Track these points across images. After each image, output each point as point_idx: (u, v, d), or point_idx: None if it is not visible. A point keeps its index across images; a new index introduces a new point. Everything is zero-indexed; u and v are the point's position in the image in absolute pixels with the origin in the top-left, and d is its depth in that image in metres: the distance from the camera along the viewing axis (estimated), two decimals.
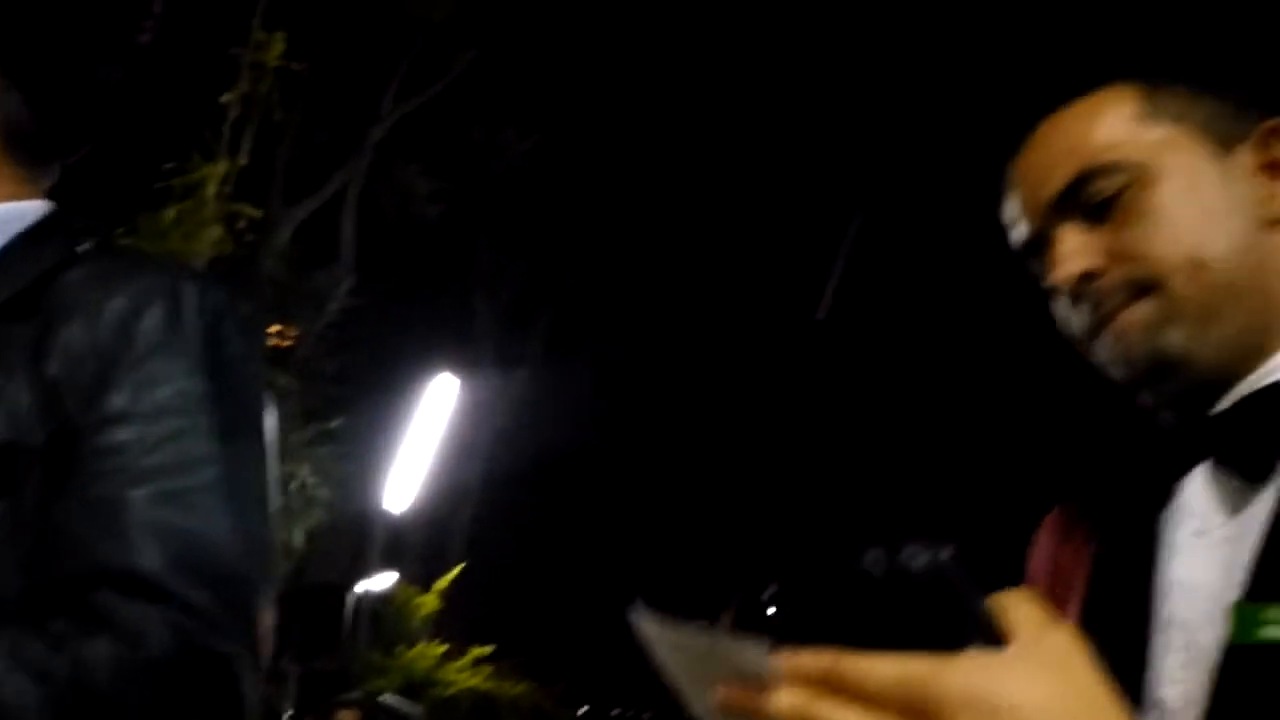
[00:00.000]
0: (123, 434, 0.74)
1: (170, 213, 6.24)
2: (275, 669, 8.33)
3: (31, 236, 0.83)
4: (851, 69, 14.38)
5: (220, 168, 6.30)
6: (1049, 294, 0.74)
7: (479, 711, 10.46)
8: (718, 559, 22.82)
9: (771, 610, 0.46)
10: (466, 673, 10.18)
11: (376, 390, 10.72)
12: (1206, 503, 0.65)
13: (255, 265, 7.66)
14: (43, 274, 0.79)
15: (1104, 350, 0.70)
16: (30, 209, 0.85)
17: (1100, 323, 0.70)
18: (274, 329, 8.78)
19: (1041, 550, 0.81)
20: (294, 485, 6.68)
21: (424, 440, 10.27)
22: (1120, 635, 0.64)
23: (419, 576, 12.01)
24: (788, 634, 0.45)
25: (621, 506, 21.35)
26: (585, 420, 16.73)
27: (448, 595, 11.15)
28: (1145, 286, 0.68)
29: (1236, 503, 0.64)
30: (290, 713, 6.15)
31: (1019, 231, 0.75)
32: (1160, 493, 0.69)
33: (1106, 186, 0.70)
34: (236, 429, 0.80)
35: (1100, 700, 0.45)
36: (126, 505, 0.73)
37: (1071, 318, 0.72)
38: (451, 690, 9.69)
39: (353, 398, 8.46)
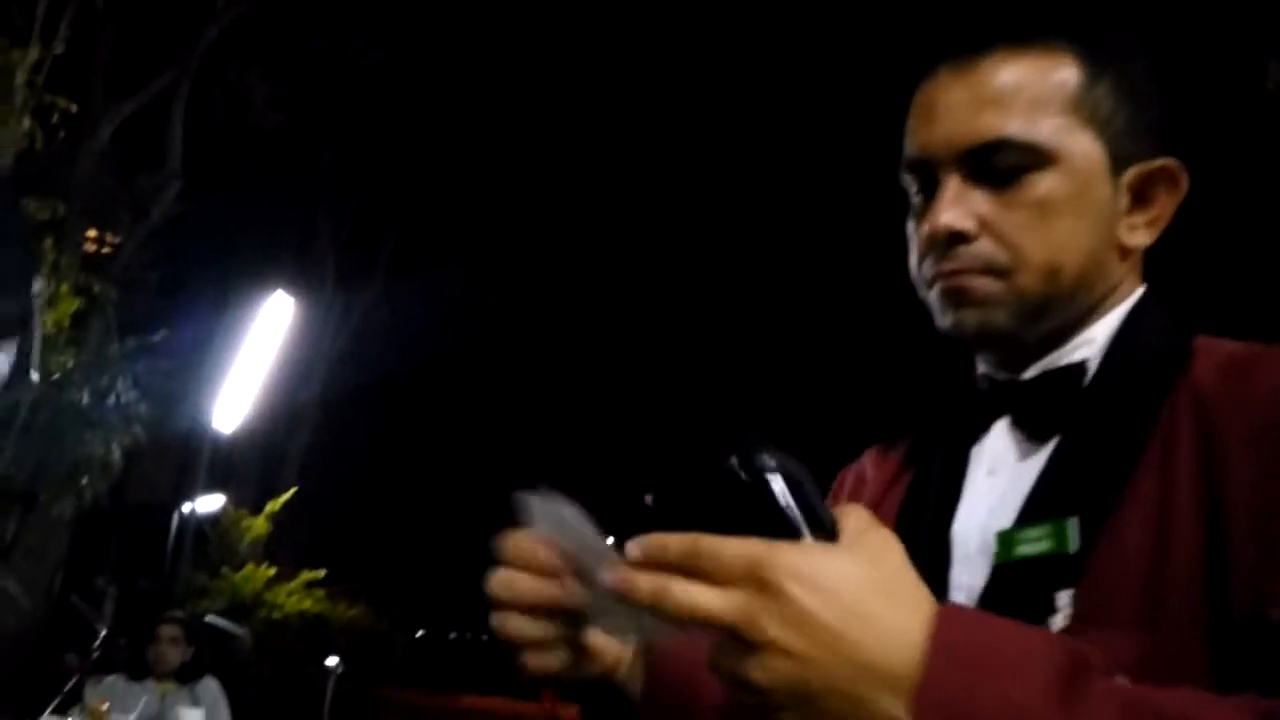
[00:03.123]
0: None
1: None
2: (91, 588, 7.99)
3: None
4: None
5: (32, 54, 5.80)
6: (912, 218, 0.80)
7: (310, 634, 10.33)
8: (560, 482, 23.06)
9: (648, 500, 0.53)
10: (297, 595, 10.01)
11: (205, 305, 10.24)
12: (1001, 450, 0.77)
13: (71, 164, 7.12)
14: None
15: (938, 301, 0.77)
16: None
17: (945, 277, 0.76)
18: (92, 234, 8.22)
19: (860, 478, 0.92)
20: (110, 399, 6.34)
21: (256, 360, 9.90)
22: (920, 552, 0.75)
23: (249, 500, 11.67)
24: (657, 524, 0.52)
25: (459, 432, 21.23)
26: (424, 347, 16.48)
27: (279, 519, 10.88)
28: (1000, 271, 0.74)
29: (1023, 453, 0.75)
30: (105, 631, 5.92)
31: (912, 151, 0.78)
32: (968, 436, 0.80)
33: (1015, 162, 0.73)
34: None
35: (908, 583, 0.52)
36: None
37: (922, 258, 0.79)
38: (281, 613, 9.52)
39: (178, 311, 8.05)
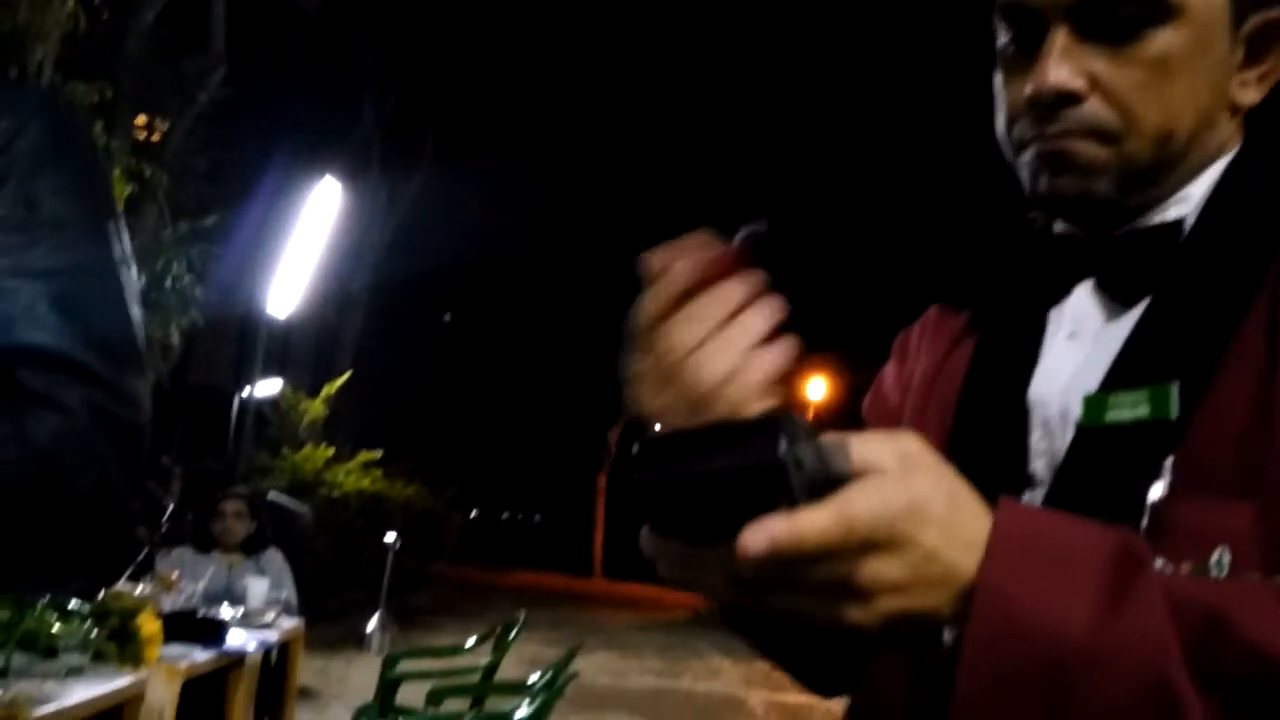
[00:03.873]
0: (12, 240, 0.79)
1: None
2: (158, 466, 8.31)
3: None
4: None
5: None
6: (1002, 70, 0.74)
7: (368, 512, 10.69)
8: (596, 376, 23.31)
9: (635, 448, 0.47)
10: (355, 475, 10.33)
11: (253, 191, 10.29)
12: (1084, 313, 0.72)
13: (116, 47, 7.08)
14: None
15: (1033, 166, 0.72)
16: None
17: (1045, 141, 0.70)
18: (141, 120, 8.23)
19: (916, 342, 0.87)
20: (166, 283, 6.44)
21: (307, 246, 9.98)
22: (996, 417, 0.73)
23: (306, 384, 11.97)
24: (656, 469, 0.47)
25: (510, 315, 21.40)
26: (472, 230, 16.49)
27: (335, 402, 11.16)
28: (1108, 135, 0.69)
29: (1109, 316, 0.71)
30: (172, 506, 6.18)
31: None
32: (1044, 298, 0.75)
33: (1135, 13, 0.67)
34: (110, 231, 0.86)
35: (960, 487, 0.51)
36: (31, 294, 0.77)
37: (1015, 117, 0.72)
38: (339, 491, 9.85)
39: (227, 196, 8.08)
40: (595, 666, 8.65)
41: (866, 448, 0.48)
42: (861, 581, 0.47)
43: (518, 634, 4.66)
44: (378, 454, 10.78)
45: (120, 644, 2.73)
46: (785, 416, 0.45)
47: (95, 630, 2.66)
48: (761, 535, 0.44)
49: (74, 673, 2.50)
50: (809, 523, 0.45)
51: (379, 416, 14.66)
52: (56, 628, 2.56)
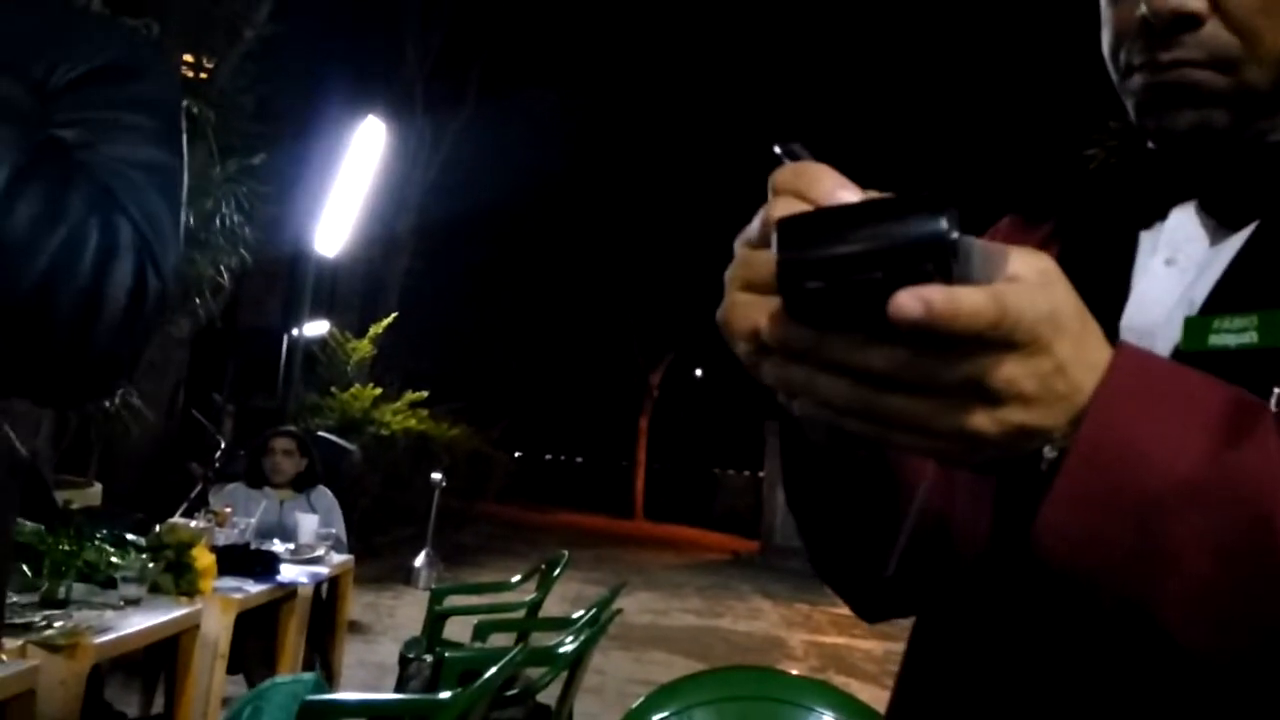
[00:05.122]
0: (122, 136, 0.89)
1: None
2: (211, 404, 8.46)
3: None
4: None
5: None
6: None
7: (415, 451, 10.83)
8: (638, 320, 23.28)
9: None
10: (402, 415, 10.44)
11: (299, 130, 10.27)
12: (1184, 237, 0.67)
13: None
14: None
15: (1143, 94, 0.67)
16: None
17: (1159, 69, 0.65)
18: (188, 58, 8.21)
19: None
20: (215, 222, 6.47)
21: (353, 186, 9.99)
22: None
23: (353, 325, 12.07)
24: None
25: (553, 256, 21.36)
26: (515, 170, 16.39)
27: (382, 343, 11.26)
28: (1228, 62, 0.63)
29: (1212, 241, 0.66)
30: (224, 444, 6.29)
31: None
32: (1136, 219, 0.70)
33: None
34: (175, 146, 0.95)
35: (1088, 312, 0.50)
36: (135, 178, 0.88)
37: (1124, 38, 0.67)
38: (387, 430, 9.97)
39: (273, 136, 8.07)
40: (637, 605, 8.75)
41: (1011, 254, 0.47)
42: (996, 382, 0.45)
43: (561, 572, 4.70)
44: (424, 394, 10.88)
45: (176, 576, 2.78)
46: (950, 199, 0.43)
47: (152, 562, 2.71)
48: (916, 298, 0.42)
49: (131, 603, 2.55)
50: (965, 297, 0.43)
51: (425, 357, 14.79)
52: (114, 559, 2.61)
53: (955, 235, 0.42)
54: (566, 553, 4.92)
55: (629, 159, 20.09)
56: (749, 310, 0.48)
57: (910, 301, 0.42)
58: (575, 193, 19.80)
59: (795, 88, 18.47)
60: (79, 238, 0.78)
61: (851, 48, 18.22)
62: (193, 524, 3.48)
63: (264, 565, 3.52)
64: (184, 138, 0.95)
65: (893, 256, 0.42)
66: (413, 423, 10.63)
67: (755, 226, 0.50)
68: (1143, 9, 0.64)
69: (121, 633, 2.30)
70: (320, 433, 7.56)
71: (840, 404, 0.47)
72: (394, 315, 11.65)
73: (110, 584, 2.59)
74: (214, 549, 3.17)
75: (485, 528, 15.22)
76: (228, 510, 3.99)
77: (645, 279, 21.99)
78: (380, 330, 11.07)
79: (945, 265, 0.42)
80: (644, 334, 23.58)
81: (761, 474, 17.71)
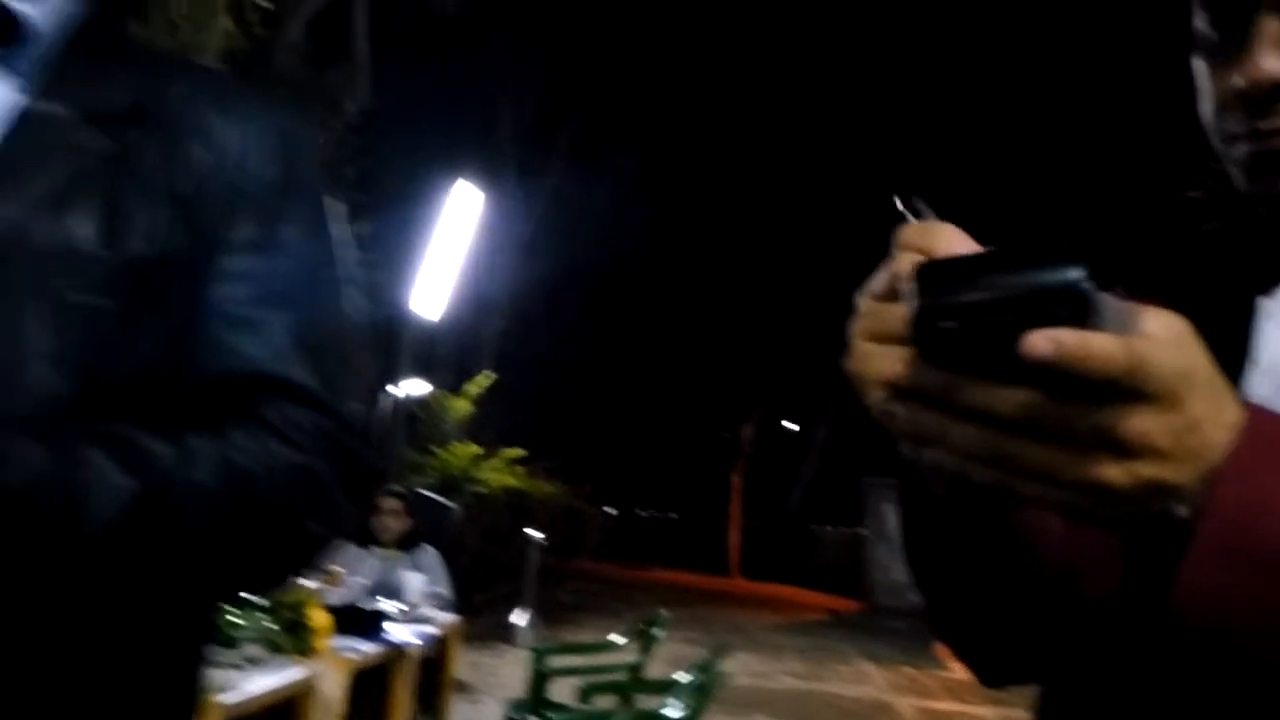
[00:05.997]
0: (257, 263, 0.78)
1: (180, 3, 5.98)
2: None
3: (91, 36, 0.80)
4: None
5: None
6: (1204, 54, 0.67)
7: (513, 508, 10.90)
8: (739, 368, 23.19)
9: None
10: (500, 472, 10.53)
11: (397, 197, 10.61)
12: None
13: (267, 61, 7.41)
14: (150, 82, 0.79)
15: (1245, 163, 0.66)
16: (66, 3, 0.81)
17: (1260, 139, 0.64)
18: None
19: None
20: None
21: (449, 249, 10.24)
22: None
23: (449, 384, 12.30)
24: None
25: (646, 315, 21.51)
26: (607, 231, 16.60)
27: (478, 401, 11.42)
28: None
29: None
30: None
31: None
32: (1254, 284, 0.68)
33: None
34: (343, 257, 0.86)
35: (1219, 374, 0.49)
36: (274, 324, 0.77)
37: (1224, 107, 0.66)
38: (486, 488, 10.06)
39: (373, 204, 8.35)
40: (737, 667, 8.54)
41: (1145, 312, 0.47)
42: (1128, 434, 0.45)
43: (662, 633, 4.62)
44: (521, 452, 10.97)
45: (293, 635, 2.80)
46: (1085, 251, 0.44)
47: (270, 622, 2.73)
48: (1048, 337, 0.43)
49: (252, 662, 2.57)
50: (1098, 341, 0.44)
51: (519, 414, 14.95)
52: (236, 619, 2.65)
53: (1090, 285, 0.44)
54: (667, 613, 4.84)
55: (718, 216, 20.21)
56: (879, 359, 0.50)
57: (1042, 341, 0.43)
58: (664, 249, 19.95)
59: (881, 145, 18.36)
60: (296, 480, 0.74)
61: (936, 106, 18.08)
62: (307, 584, 3.52)
63: (374, 625, 3.53)
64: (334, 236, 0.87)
65: (1028, 302, 0.44)
66: (510, 480, 10.71)
67: (880, 281, 0.52)
68: (1240, 80, 0.63)
69: (246, 692, 2.32)
70: (422, 491, 7.66)
71: (970, 450, 0.47)
72: (491, 374, 11.83)
73: (232, 643, 2.62)
74: (328, 608, 3.19)
75: (582, 585, 15.16)
76: (340, 570, 4.03)
77: (735, 334, 21.96)
78: (478, 389, 11.24)
79: (1079, 313, 0.44)
80: (733, 389, 23.50)
81: (861, 530, 17.28)
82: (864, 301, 0.52)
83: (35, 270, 0.70)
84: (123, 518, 0.66)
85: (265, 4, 6.50)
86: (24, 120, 0.73)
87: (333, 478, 0.76)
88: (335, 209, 0.87)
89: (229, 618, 2.62)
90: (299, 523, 0.75)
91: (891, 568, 15.62)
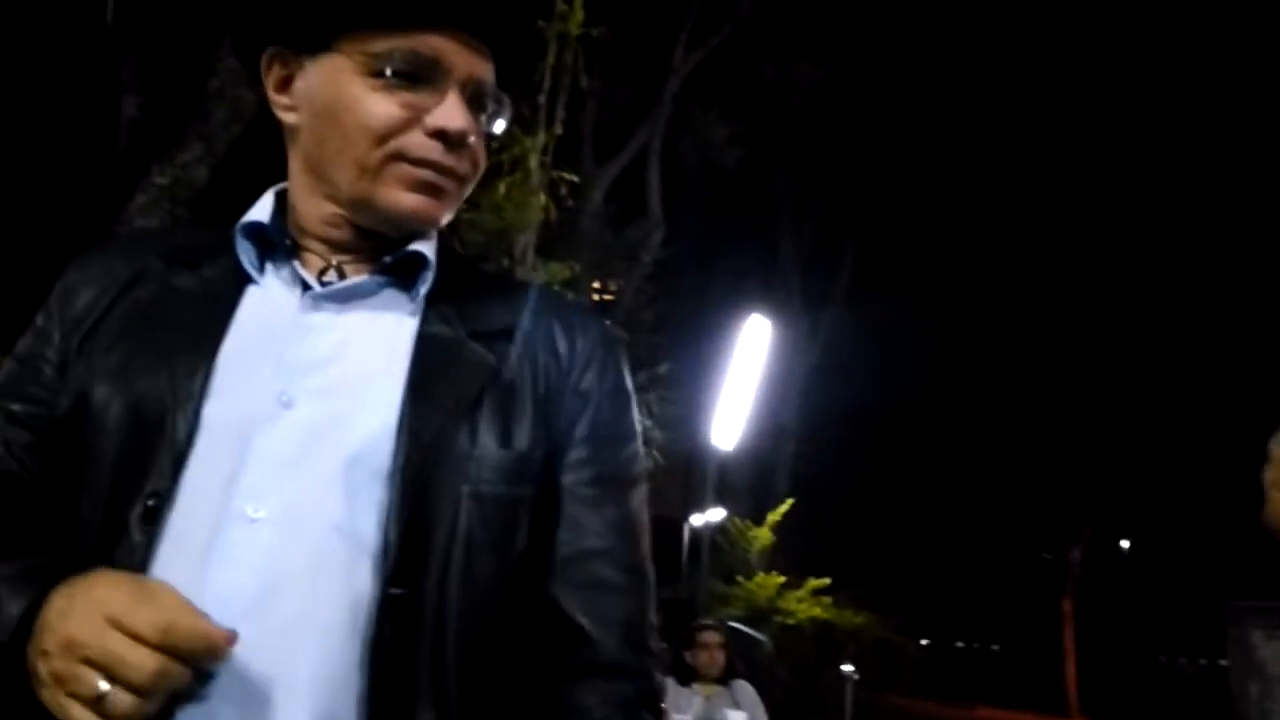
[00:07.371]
0: (590, 492, 0.87)
1: (501, 187, 6.72)
2: None
3: (449, 252, 0.93)
4: None
5: (540, 139, 6.72)
6: None
7: (822, 640, 10.63)
8: (1049, 493, 21.41)
9: None
10: (806, 603, 10.36)
11: (692, 335, 11.10)
12: None
13: (576, 227, 8.17)
14: (509, 303, 0.91)
15: None
16: None
17: None
18: (596, 284, 9.34)
19: None
20: None
21: (743, 380, 10.50)
22: None
23: (745, 511, 12.37)
24: None
25: (947, 440, 20.59)
26: (893, 356, 16.30)
27: (777, 529, 11.39)
28: None
29: None
30: None
31: None
32: None
33: None
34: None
35: None
36: (605, 588, 0.85)
37: None
38: (793, 619, 9.92)
39: (671, 343, 8.82)
40: None
41: None
42: None
43: None
44: (826, 581, 10.76)
45: None
46: None
47: None
48: None
49: None
50: None
51: (820, 541, 14.70)
52: None
53: None
54: None
55: (1017, 326, 19.23)
56: None
57: None
58: (961, 363, 19.20)
59: (1171, 263, 16.84)
60: None
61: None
62: None
63: None
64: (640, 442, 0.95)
65: None
66: (817, 611, 10.50)
67: None
68: None
69: None
70: (731, 623, 7.69)
71: None
72: (790, 501, 11.80)
73: None
74: None
75: None
76: (667, 709, 4.12)
77: (1053, 448, 20.46)
78: (779, 516, 11.23)
79: None
80: (1055, 506, 21.70)
81: (1223, 662, 15.11)
82: (1274, 449, 0.50)
83: (459, 470, 0.81)
84: None
85: (572, 178, 7.23)
86: (421, 341, 0.86)
87: None
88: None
89: None
90: None
91: (1270, 710, 13.45)
